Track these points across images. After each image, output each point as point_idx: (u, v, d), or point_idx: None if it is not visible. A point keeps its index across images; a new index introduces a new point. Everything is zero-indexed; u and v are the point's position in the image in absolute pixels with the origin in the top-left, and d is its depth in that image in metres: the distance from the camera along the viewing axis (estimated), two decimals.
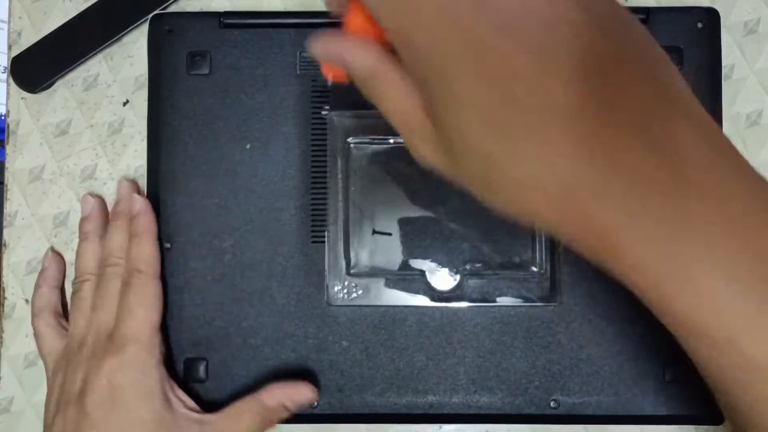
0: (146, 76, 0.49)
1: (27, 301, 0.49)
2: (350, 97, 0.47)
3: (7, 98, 0.51)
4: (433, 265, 0.46)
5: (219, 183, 0.47)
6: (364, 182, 0.47)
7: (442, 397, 0.46)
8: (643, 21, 0.47)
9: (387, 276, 0.46)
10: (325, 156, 0.47)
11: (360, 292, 0.46)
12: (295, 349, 0.46)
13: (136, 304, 0.43)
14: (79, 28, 0.50)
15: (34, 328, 0.47)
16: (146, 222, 0.46)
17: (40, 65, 0.50)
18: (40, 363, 0.48)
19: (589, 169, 0.26)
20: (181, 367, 0.46)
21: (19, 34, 0.51)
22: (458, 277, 0.46)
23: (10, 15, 0.51)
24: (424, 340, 0.46)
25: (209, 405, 0.46)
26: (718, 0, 0.49)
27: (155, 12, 0.49)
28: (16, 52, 0.50)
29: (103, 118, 0.50)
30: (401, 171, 0.47)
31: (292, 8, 0.51)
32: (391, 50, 0.29)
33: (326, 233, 0.47)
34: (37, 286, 0.48)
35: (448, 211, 0.46)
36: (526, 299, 0.46)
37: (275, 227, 0.47)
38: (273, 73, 0.48)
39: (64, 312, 0.49)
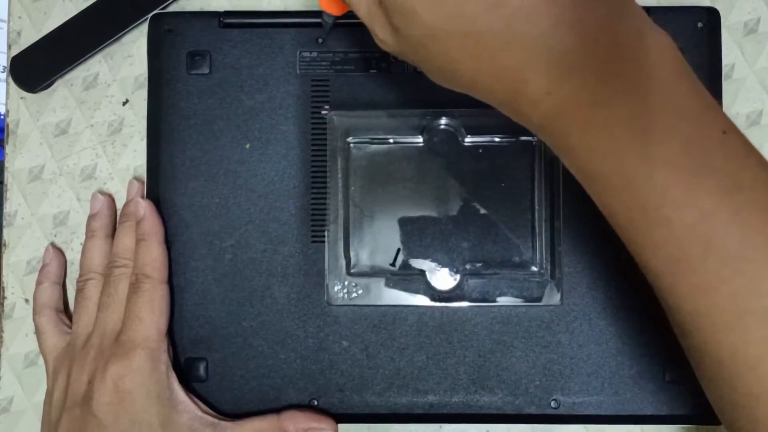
0: (146, 75, 0.49)
1: (27, 300, 0.49)
2: (350, 96, 0.47)
3: (7, 98, 0.51)
4: (433, 264, 0.46)
5: (219, 182, 0.47)
6: (364, 182, 0.47)
7: (443, 396, 0.46)
8: None
9: (387, 276, 0.46)
10: (325, 156, 0.47)
11: (360, 291, 0.46)
12: (295, 349, 0.46)
13: (144, 308, 0.44)
14: (79, 28, 0.50)
15: (36, 325, 0.47)
16: (152, 225, 0.46)
17: (40, 65, 0.50)
18: (41, 363, 0.48)
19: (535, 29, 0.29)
20: (181, 367, 0.46)
21: (19, 33, 0.51)
22: (458, 276, 0.46)
23: (9, 14, 0.51)
24: (424, 339, 0.46)
25: (209, 405, 0.46)
26: (718, 0, 0.49)
27: (155, 11, 0.49)
28: (15, 51, 0.50)
29: (102, 118, 0.50)
30: (401, 170, 0.47)
31: (292, 8, 0.51)
32: None
33: (326, 233, 0.47)
34: (38, 283, 0.48)
35: (448, 211, 0.46)
36: (526, 299, 0.46)
37: (275, 227, 0.47)
38: (273, 72, 0.48)
39: (66, 309, 0.49)
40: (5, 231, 0.50)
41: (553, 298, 0.46)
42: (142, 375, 0.42)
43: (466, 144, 0.47)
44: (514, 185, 0.46)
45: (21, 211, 0.50)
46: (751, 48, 0.49)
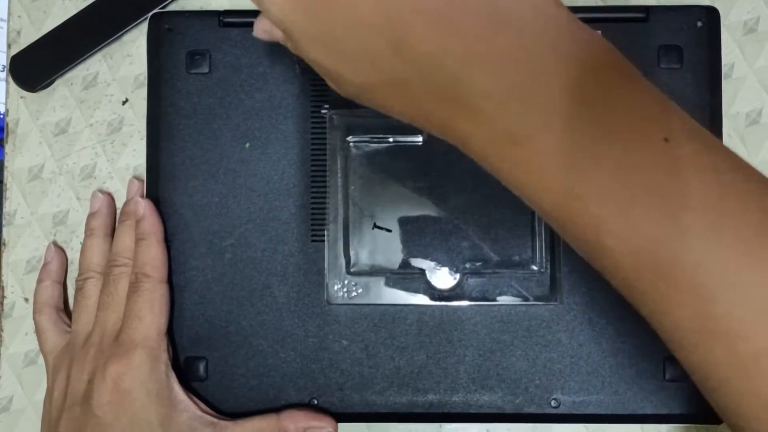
0: (146, 74, 0.49)
1: (27, 299, 0.49)
2: None
3: (7, 97, 0.51)
4: (433, 263, 0.46)
5: (219, 182, 0.47)
6: (363, 181, 0.47)
7: (443, 396, 0.46)
8: (643, 20, 0.47)
9: (387, 275, 0.46)
10: (325, 155, 0.47)
11: (360, 290, 0.46)
12: (294, 348, 0.46)
13: (144, 308, 0.43)
14: (79, 27, 0.50)
15: (36, 323, 0.47)
16: (151, 225, 0.46)
17: (40, 64, 0.50)
18: (40, 361, 0.48)
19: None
20: (180, 366, 0.46)
21: (19, 32, 0.51)
22: (458, 275, 0.46)
23: (9, 14, 0.51)
24: (424, 338, 0.46)
25: (209, 404, 0.46)
26: None
27: (155, 11, 0.49)
28: (15, 50, 0.50)
29: (102, 117, 0.50)
30: (401, 169, 0.47)
31: None
32: None
33: (326, 232, 0.47)
34: (39, 281, 0.48)
35: (448, 210, 0.46)
36: (526, 298, 0.46)
37: (275, 226, 0.47)
38: (273, 71, 0.48)
39: (65, 308, 0.49)
40: (5, 230, 0.50)
41: (553, 297, 0.46)
42: (141, 374, 0.42)
43: None
44: None
45: (20, 211, 0.50)
46: (751, 47, 0.49)
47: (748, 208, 0.28)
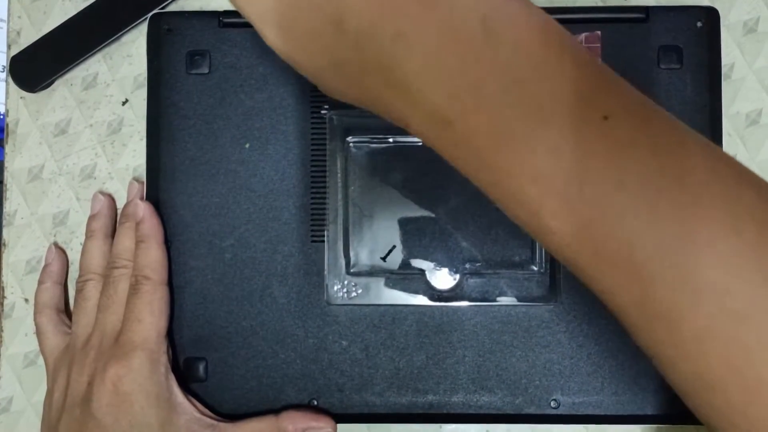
0: (145, 75, 0.49)
1: (26, 300, 0.49)
2: None
3: (6, 97, 0.51)
4: (433, 264, 0.46)
5: (218, 182, 0.47)
6: (363, 181, 0.47)
7: (442, 396, 0.46)
8: (643, 20, 0.47)
9: (387, 275, 0.46)
10: (325, 155, 0.47)
11: (360, 291, 0.46)
12: (294, 349, 0.46)
13: (144, 310, 0.43)
14: (79, 28, 0.50)
15: (36, 325, 0.47)
16: (151, 227, 0.46)
17: (40, 64, 0.50)
18: (40, 362, 0.48)
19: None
20: (180, 367, 0.46)
21: (18, 33, 0.51)
22: (458, 276, 0.46)
23: (9, 14, 0.51)
24: (424, 339, 0.46)
25: (209, 405, 0.46)
26: None
27: (154, 11, 0.49)
28: (15, 51, 0.50)
29: (102, 118, 0.50)
30: (401, 170, 0.47)
31: None
32: None
33: (326, 232, 0.47)
34: (40, 282, 0.48)
35: (448, 211, 0.46)
36: (525, 299, 0.46)
37: (275, 226, 0.47)
38: (272, 72, 0.48)
39: (66, 309, 0.49)
40: (5, 230, 0.50)
41: (552, 297, 0.46)
42: (141, 376, 0.42)
43: None
44: None
45: (20, 211, 0.50)
46: (751, 47, 0.49)
47: (685, 184, 0.27)
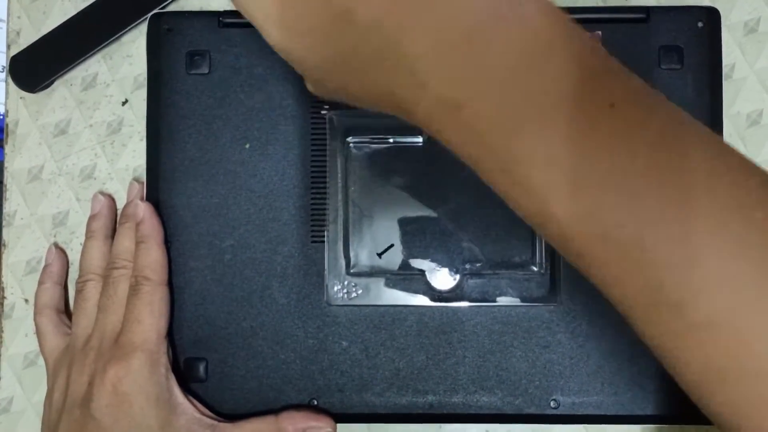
0: (145, 75, 0.49)
1: (26, 300, 0.49)
2: None
3: (6, 98, 0.51)
4: (433, 264, 0.46)
5: (218, 183, 0.47)
6: (363, 182, 0.47)
7: (442, 396, 0.46)
8: (644, 20, 0.47)
9: (387, 276, 0.46)
10: (325, 155, 0.47)
11: (360, 291, 0.46)
12: (294, 349, 0.46)
13: (144, 311, 0.43)
14: (78, 28, 0.50)
15: (36, 325, 0.47)
16: (151, 228, 0.46)
17: (39, 65, 0.50)
18: (40, 363, 0.48)
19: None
20: (180, 367, 0.46)
21: (18, 33, 0.51)
22: (458, 276, 0.46)
23: (8, 14, 0.51)
24: (424, 339, 0.46)
25: (209, 405, 0.46)
26: (719, 0, 0.49)
27: (154, 11, 0.49)
28: (14, 51, 0.50)
29: (102, 118, 0.50)
30: (401, 170, 0.47)
31: None
32: None
33: (326, 233, 0.47)
34: (40, 282, 0.48)
35: (448, 211, 0.46)
36: (525, 299, 0.46)
37: (275, 227, 0.47)
38: (272, 72, 0.48)
39: (66, 310, 0.49)
40: (4, 231, 0.50)
41: (552, 298, 0.46)
42: (141, 377, 0.42)
43: None
44: None
45: (20, 211, 0.50)
46: (752, 48, 0.49)
47: (692, 171, 0.27)
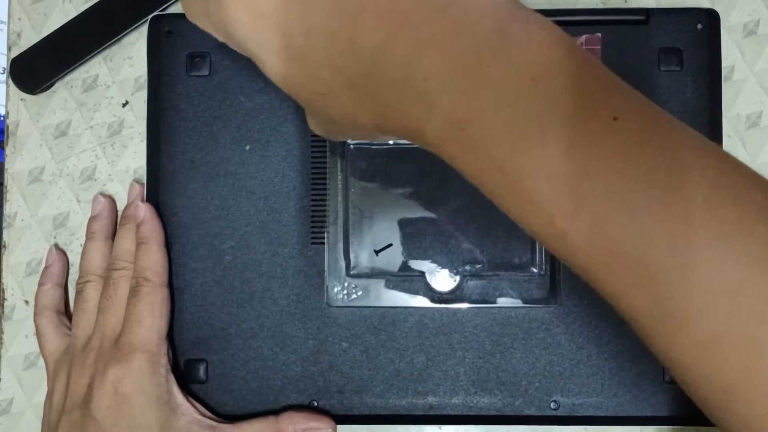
0: (146, 77, 0.49)
1: (27, 302, 0.49)
2: None
3: (7, 99, 0.51)
4: (433, 266, 0.46)
5: (219, 184, 0.47)
6: (363, 183, 0.47)
7: (442, 398, 0.46)
8: (643, 22, 0.47)
9: (387, 277, 0.46)
10: (325, 157, 0.47)
11: (360, 293, 0.46)
12: (294, 350, 0.46)
13: (144, 312, 0.44)
14: (79, 30, 0.50)
15: (36, 326, 0.47)
16: (152, 229, 0.46)
17: (40, 66, 0.50)
18: (40, 364, 0.48)
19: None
20: (181, 368, 0.46)
21: (19, 35, 0.51)
22: (458, 278, 0.46)
23: (9, 16, 0.51)
24: (424, 341, 0.46)
25: (209, 406, 0.46)
26: (718, 1, 0.49)
27: (155, 13, 0.49)
28: (15, 53, 0.50)
29: (102, 120, 0.50)
30: (401, 172, 0.47)
31: None
32: None
33: (326, 234, 0.47)
34: (40, 284, 0.48)
35: (448, 212, 0.46)
36: (525, 300, 0.46)
37: (275, 228, 0.47)
38: None
39: (66, 311, 0.49)
40: (5, 232, 0.50)
41: (552, 299, 0.46)
42: (141, 378, 0.42)
43: None
44: None
45: (21, 213, 0.50)
46: (751, 49, 0.49)
47: (696, 185, 0.27)
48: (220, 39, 0.32)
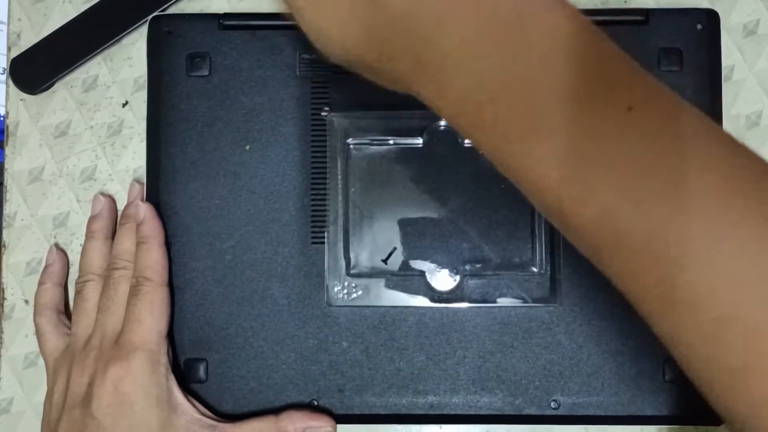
0: (146, 77, 0.49)
1: (27, 301, 0.49)
2: (350, 98, 0.47)
3: (7, 99, 0.51)
4: (433, 265, 0.46)
5: (219, 184, 0.47)
6: (363, 183, 0.47)
7: (443, 397, 0.46)
8: (643, 22, 0.47)
9: (387, 276, 0.46)
10: (325, 157, 0.47)
11: (360, 292, 0.46)
12: (295, 350, 0.46)
13: (144, 311, 0.44)
14: (79, 30, 0.50)
15: (36, 326, 0.47)
16: (152, 228, 0.46)
17: (40, 67, 0.50)
18: (40, 363, 0.48)
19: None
20: (181, 368, 0.46)
21: (19, 35, 0.51)
22: (458, 277, 0.46)
23: (9, 16, 0.51)
24: (424, 340, 0.46)
25: (209, 406, 0.46)
26: (718, 1, 0.49)
27: (155, 14, 0.49)
28: (15, 53, 0.50)
29: (102, 120, 0.50)
30: (401, 172, 0.47)
31: None
32: None
33: (326, 234, 0.47)
34: (40, 283, 0.48)
35: (448, 212, 0.46)
36: (526, 300, 0.46)
37: (275, 228, 0.47)
38: (272, 74, 0.48)
39: (66, 310, 0.49)
40: (5, 232, 0.50)
41: (553, 298, 0.46)
42: (141, 377, 0.42)
43: (465, 145, 0.47)
44: (513, 186, 0.46)
45: (21, 213, 0.50)
46: (751, 50, 0.49)
47: (708, 172, 0.28)
48: None
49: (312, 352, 0.46)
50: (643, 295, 0.29)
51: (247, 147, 0.47)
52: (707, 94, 0.47)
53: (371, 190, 0.47)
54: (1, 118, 0.53)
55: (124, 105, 0.50)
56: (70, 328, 0.47)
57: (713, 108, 0.47)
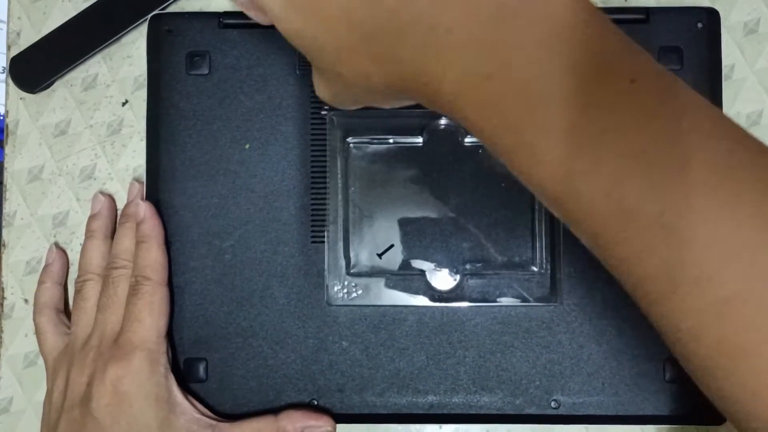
0: (145, 76, 0.49)
1: (26, 300, 0.49)
2: None
3: (6, 98, 0.51)
4: (433, 265, 0.46)
5: (218, 183, 0.47)
6: (363, 182, 0.47)
7: (443, 397, 0.46)
8: (643, 21, 0.47)
9: (387, 276, 0.46)
10: (325, 156, 0.47)
11: (360, 292, 0.46)
12: (294, 349, 0.46)
13: (144, 311, 0.43)
14: (79, 29, 0.50)
15: (36, 325, 0.47)
16: (152, 227, 0.46)
17: (39, 65, 0.50)
18: (40, 362, 0.48)
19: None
20: (180, 367, 0.46)
21: (18, 34, 0.51)
22: (458, 277, 0.46)
23: (9, 15, 0.51)
24: (424, 340, 0.46)
25: (209, 405, 0.46)
26: (718, 0, 0.49)
27: (154, 12, 0.49)
28: (15, 52, 0.50)
29: (102, 118, 0.50)
30: (401, 171, 0.47)
31: None
32: None
33: (326, 233, 0.47)
34: (40, 282, 0.48)
35: (448, 211, 0.46)
36: (526, 299, 0.46)
37: (275, 227, 0.47)
38: (272, 73, 0.48)
39: (66, 309, 0.49)
40: (5, 231, 0.50)
41: (553, 298, 0.46)
42: (140, 377, 0.42)
43: (466, 144, 0.47)
44: (513, 185, 0.46)
45: (20, 212, 0.50)
46: (751, 48, 0.49)
47: (712, 148, 0.27)
48: None
49: (312, 352, 0.46)
50: (649, 276, 0.28)
51: (247, 146, 0.47)
52: (707, 92, 0.47)
53: (371, 189, 0.47)
54: (1, 117, 0.52)
55: (123, 104, 0.50)
56: (69, 328, 0.47)
57: None
